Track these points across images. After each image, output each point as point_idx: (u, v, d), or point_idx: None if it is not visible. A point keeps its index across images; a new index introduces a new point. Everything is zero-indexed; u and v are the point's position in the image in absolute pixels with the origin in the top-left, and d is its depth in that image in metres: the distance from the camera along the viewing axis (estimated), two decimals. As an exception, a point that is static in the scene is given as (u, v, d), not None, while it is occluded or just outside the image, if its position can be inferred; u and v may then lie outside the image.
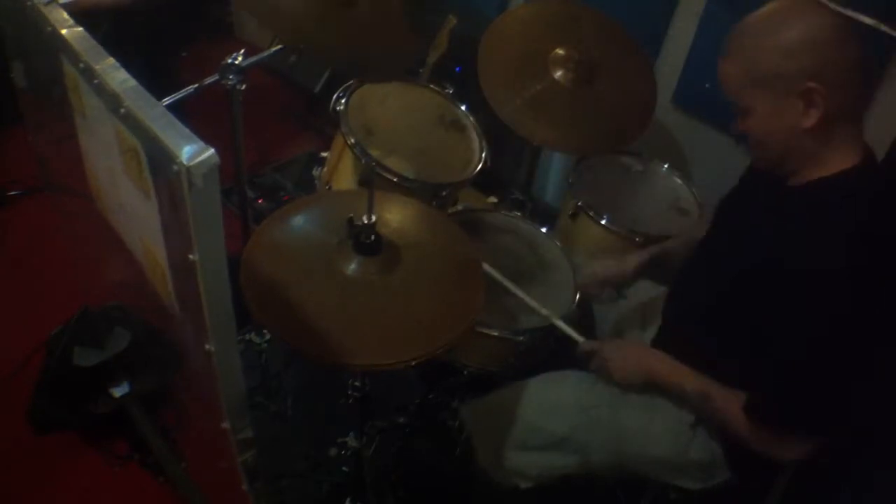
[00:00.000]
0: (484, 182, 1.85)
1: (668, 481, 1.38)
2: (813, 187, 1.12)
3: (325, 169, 1.76)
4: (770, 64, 1.06)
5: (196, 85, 1.49)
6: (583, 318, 1.68)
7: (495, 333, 1.53)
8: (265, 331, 1.89)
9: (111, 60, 0.86)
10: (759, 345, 1.13)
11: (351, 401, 1.55)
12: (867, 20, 1.64)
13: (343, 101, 1.65)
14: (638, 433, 1.36)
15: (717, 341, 1.24)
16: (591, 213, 1.81)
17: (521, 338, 1.54)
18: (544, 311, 1.54)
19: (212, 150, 0.70)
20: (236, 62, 1.48)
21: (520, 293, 1.56)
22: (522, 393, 1.45)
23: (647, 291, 1.66)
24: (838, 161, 1.10)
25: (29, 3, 0.98)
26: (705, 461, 1.33)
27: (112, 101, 0.82)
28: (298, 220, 1.33)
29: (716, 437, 1.32)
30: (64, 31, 0.92)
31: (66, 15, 0.95)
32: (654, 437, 1.35)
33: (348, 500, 1.68)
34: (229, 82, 1.49)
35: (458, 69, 2.25)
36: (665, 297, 1.49)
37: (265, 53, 1.59)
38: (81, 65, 0.89)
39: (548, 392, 1.46)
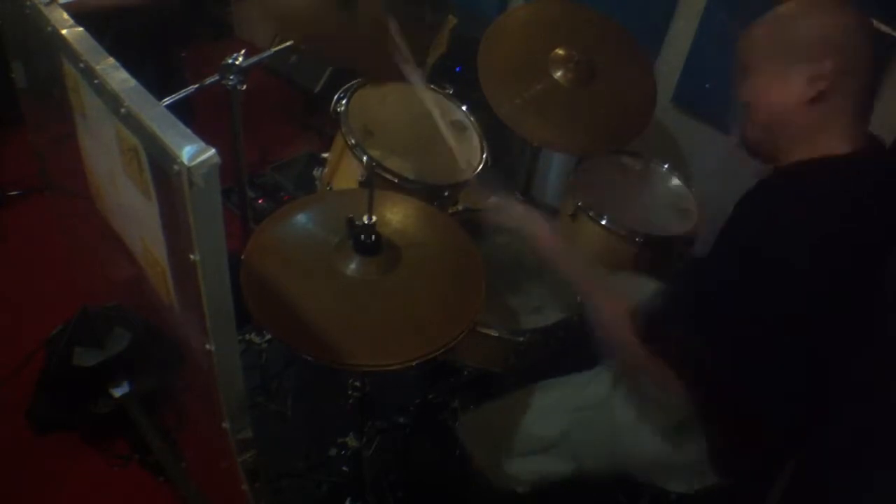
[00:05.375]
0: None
1: (661, 485, 1.38)
2: (793, 168, 1.11)
3: (326, 170, 1.76)
4: (790, 31, 1.09)
5: (196, 85, 1.49)
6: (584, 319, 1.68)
7: (495, 334, 1.53)
8: (265, 331, 1.89)
9: (111, 60, 0.86)
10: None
11: (351, 401, 1.55)
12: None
13: (343, 101, 1.65)
14: (627, 434, 1.36)
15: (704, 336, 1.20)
16: (591, 213, 1.80)
17: (522, 338, 1.54)
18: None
19: (212, 150, 0.70)
20: (236, 62, 1.48)
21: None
22: (514, 401, 1.47)
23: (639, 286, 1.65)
24: (825, 146, 1.09)
25: (29, 3, 0.98)
26: (691, 462, 1.32)
27: (112, 101, 0.82)
28: (299, 220, 1.33)
29: (701, 440, 1.30)
30: (64, 31, 0.92)
31: (66, 15, 0.95)
32: (644, 438, 1.34)
33: (348, 500, 1.68)
34: (229, 82, 1.49)
35: (458, 69, 2.25)
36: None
37: (265, 53, 1.59)
38: (81, 65, 0.89)
39: (539, 397, 1.46)
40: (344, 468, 1.72)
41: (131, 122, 0.79)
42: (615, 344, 1.18)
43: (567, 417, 1.40)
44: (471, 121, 1.82)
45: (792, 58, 1.08)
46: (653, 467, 1.36)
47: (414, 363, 1.11)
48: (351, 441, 1.63)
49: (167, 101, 1.42)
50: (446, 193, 1.68)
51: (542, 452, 1.41)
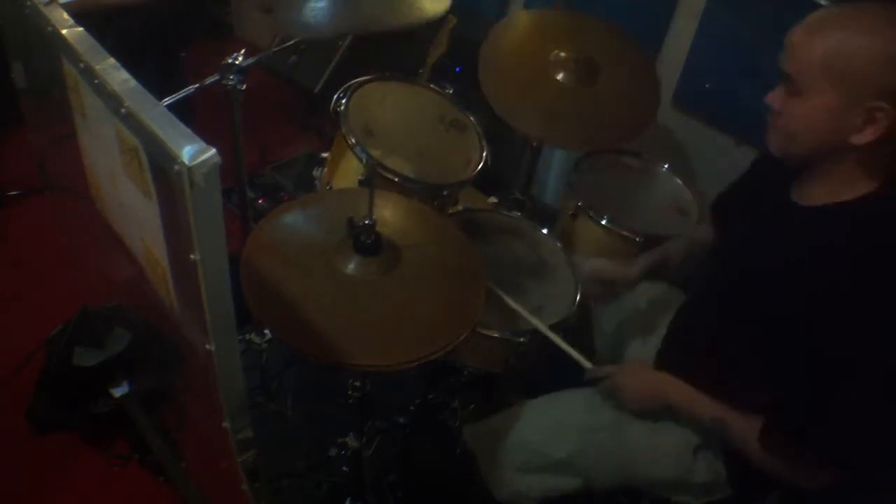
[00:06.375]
0: (484, 182, 1.85)
1: (668, 497, 1.38)
2: (829, 212, 1.07)
3: (326, 169, 1.76)
4: (853, 65, 0.98)
5: (196, 85, 1.49)
6: (582, 319, 1.68)
7: (496, 334, 1.53)
8: (265, 331, 1.89)
9: (111, 60, 0.86)
10: (770, 367, 1.11)
11: (351, 401, 1.55)
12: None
13: (343, 101, 1.65)
14: (642, 456, 1.34)
15: (728, 357, 1.21)
16: (591, 213, 1.81)
17: (522, 339, 1.54)
18: (552, 336, 1.51)
19: (213, 150, 0.70)
20: (236, 62, 1.48)
21: (531, 317, 1.55)
22: (525, 414, 1.44)
23: (648, 293, 1.65)
24: (861, 186, 1.06)
25: (29, 3, 0.98)
26: (708, 481, 1.32)
27: (113, 101, 0.82)
28: (298, 220, 1.33)
29: (720, 458, 1.30)
30: (64, 31, 0.92)
31: (66, 15, 0.95)
32: (658, 460, 1.33)
33: (348, 500, 1.68)
34: (229, 82, 1.49)
35: (458, 69, 2.25)
36: (677, 310, 1.47)
37: (265, 53, 1.59)
38: (82, 65, 0.89)
39: (550, 413, 1.44)
40: (344, 468, 1.72)
41: (132, 122, 0.79)
42: (752, 455, 1.16)
43: (579, 437, 1.37)
44: (471, 121, 1.82)
45: (849, 95, 0.99)
46: (667, 486, 1.36)
47: (414, 363, 1.11)
48: (351, 441, 1.63)
49: (167, 101, 1.42)
50: (445, 193, 1.68)
51: (552, 470, 1.39)
